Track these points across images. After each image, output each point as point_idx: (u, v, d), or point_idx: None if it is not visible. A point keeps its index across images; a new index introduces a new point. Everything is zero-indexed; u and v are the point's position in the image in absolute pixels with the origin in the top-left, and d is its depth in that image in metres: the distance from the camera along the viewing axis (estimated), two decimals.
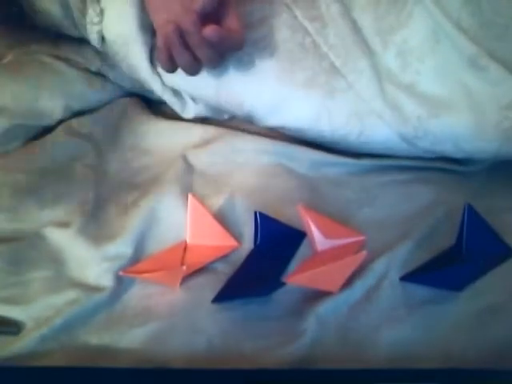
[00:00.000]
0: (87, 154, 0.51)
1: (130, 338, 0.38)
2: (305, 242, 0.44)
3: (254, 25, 0.47)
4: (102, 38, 0.52)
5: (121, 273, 0.41)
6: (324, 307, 0.39)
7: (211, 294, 0.40)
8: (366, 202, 0.47)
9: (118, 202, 0.47)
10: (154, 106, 0.58)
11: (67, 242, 0.43)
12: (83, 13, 0.51)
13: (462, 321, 0.39)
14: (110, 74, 0.57)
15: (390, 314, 0.39)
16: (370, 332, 0.38)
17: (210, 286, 0.41)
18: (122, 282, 0.41)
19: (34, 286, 0.41)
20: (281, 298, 0.40)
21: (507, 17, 0.42)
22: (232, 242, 0.44)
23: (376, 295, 0.40)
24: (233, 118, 0.54)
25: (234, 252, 0.44)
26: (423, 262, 0.42)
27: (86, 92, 0.56)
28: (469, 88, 0.44)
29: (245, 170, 0.49)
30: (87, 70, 0.56)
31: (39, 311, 0.39)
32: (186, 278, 0.41)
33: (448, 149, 0.47)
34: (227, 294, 0.40)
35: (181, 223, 0.44)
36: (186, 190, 0.47)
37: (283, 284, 0.39)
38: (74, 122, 0.54)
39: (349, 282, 0.40)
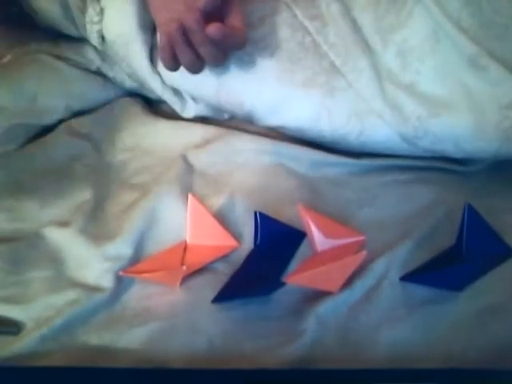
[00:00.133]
0: (87, 154, 0.51)
1: (129, 338, 0.38)
2: (305, 242, 0.44)
3: (254, 24, 0.47)
4: (102, 38, 0.52)
5: (121, 273, 0.41)
6: (324, 307, 0.39)
7: (211, 294, 0.40)
8: (366, 202, 0.47)
9: (118, 202, 0.47)
10: (154, 106, 0.58)
11: (67, 241, 0.43)
12: (83, 12, 0.51)
13: (462, 321, 0.39)
14: (110, 74, 0.57)
15: (390, 314, 0.39)
16: (369, 332, 0.38)
17: (210, 285, 0.41)
18: (121, 282, 0.41)
19: (34, 285, 0.41)
20: (281, 298, 0.40)
21: (507, 17, 0.42)
22: (232, 242, 0.44)
23: (376, 295, 0.40)
24: (233, 117, 0.54)
25: (234, 252, 0.44)
26: (423, 262, 0.42)
27: (86, 92, 0.56)
28: (469, 88, 0.44)
29: (245, 170, 0.49)
30: (87, 70, 0.56)
31: (39, 311, 0.39)
32: (186, 278, 0.41)
33: (448, 148, 0.47)
34: (227, 294, 0.40)
35: (181, 223, 0.44)
36: (186, 190, 0.47)
37: (283, 284, 0.39)
38: (74, 122, 0.54)
39: (349, 282, 0.40)
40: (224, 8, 0.43)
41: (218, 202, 0.46)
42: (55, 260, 0.42)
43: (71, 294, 0.40)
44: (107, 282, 0.40)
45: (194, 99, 0.54)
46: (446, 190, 0.48)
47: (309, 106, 0.48)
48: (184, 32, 0.42)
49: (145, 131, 0.54)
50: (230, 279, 0.41)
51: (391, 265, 0.42)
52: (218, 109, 0.53)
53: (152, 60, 0.51)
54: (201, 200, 0.45)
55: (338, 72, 0.46)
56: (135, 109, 0.56)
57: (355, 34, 0.46)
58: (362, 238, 0.44)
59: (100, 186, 0.48)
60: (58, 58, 0.55)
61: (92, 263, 0.42)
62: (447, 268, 0.41)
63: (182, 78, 0.48)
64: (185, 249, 0.43)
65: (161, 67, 0.51)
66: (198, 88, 0.51)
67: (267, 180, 0.48)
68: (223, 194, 0.46)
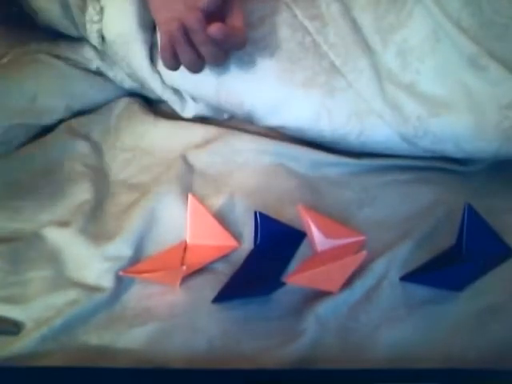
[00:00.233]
0: (87, 154, 0.51)
1: (129, 338, 0.38)
2: (305, 242, 0.44)
3: (254, 24, 0.47)
4: (102, 37, 0.52)
5: (121, 273, 0.41)
6: (324, 307, 0.39)
7: (211, 294, 0.40)
8: (366, 202, 0.47)
9: (118, 202, 0.47)
10: (154, 106, 0.58)
11: (67, 241, 0.43)
12: (83, 11, 0.51)
13: (462, 321, 0.39)
14: (110, 74, 0.57)
15: (390, 314, 0.39)
16: (369, 332, 0.38)
17: (210, 285, 0.41)
18: (121, 282, 0.41)
19: (34, 285, 0.41)
20: (281, 298, 0.40)
21: (507, 16, 0.42)
22: (232, 242, 0.44)
23: (376, 295, 0.40)
24: (233, 117, 0.54)
25: (234, 252, 0.44)
26: (423, 262, 0.42)
27: (86, 92, 0.56)
28: (469, 88, 0.44)
29: (245, 170, 0.49)
30: (87, 70, 0.56)
31: (39, 311, 0.39)
32: (186, 278, 0.41)
33: (448, 148, 0.47)
34: (227, 293, 0.40)
35: (181, 223, 0.44)
36: (186, 190, 0.47)
37: (283, 284, 0.39)
38: (74, 122, 0.54)
39: (349, 282, 0.40)
40: (225, 8, 0.43)
41: (217, 202, 0.46)
42: (55, 260, 0.42)
43: (71, 294, 0.40)
44: (107, 282, 0.40)
45: (193, 99, 0.54)
46: (446, 190, 0.48)
47: (309, 106, 0.48)
48: (185, 31, 0.42)
49: (145, 131, 0.54)
50: (230, 279, 0.41)
51: (391, 265, 0.42)
52: (217, 109, 0.53)
53: (152, 59, 0.51)
54: (201, 200, 0.45)
55: (337, 72, 0.46)
56: (135, 109, 0.56)
57: (355, 34, 0.46)
58: (362, 238, 0.44)
59: (100, 186, 0.48)
60: (58, 57, 0.55)
61: (92, 263, 0.42)
62: (447, 268, 0.41)
63: (181, 77, 0.48)
64: (185, 249, 0.43)
65: (161, 67, 0.51)
66: (198, 88, 0.51)
67: (267, 180, 0.48)
68: (223, 194, 0.46)
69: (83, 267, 0.42)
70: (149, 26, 0.51)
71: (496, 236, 0.41)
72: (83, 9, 0.51)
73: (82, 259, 0.42)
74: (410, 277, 0.41)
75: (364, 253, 0.39)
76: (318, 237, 0.43)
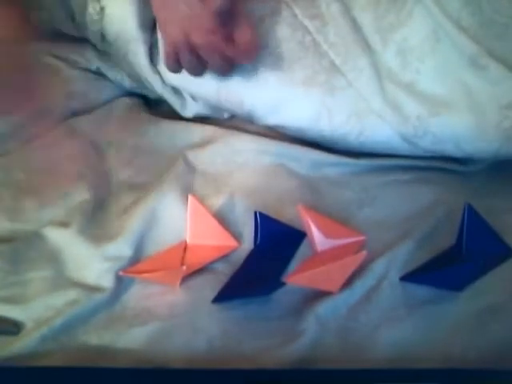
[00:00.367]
0: (87, 154, 0.51)
1: (129, 338, 0.38)
2: (305, 242, 0.44)
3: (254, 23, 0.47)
4: (102, 37, 0.52)
5: (121, 273, 0.41)
6: (324, 307, 0.39)
7: (211, 294, 0.40)
8: (366, 202, 0.47)
9: (118, 202, 0.47)
10: (154, 106, 0.58)
11: (67, 241, 0.43)
12: (83, 11, 0.51)
13: (462, 321, 0.39)
14: (110, 74, 0.57)
15: (390, 314, 0.39)
16: (369, 332, 0.38)
17: (210, 285, 0.41)
18: (121, 282, 0.41)
19: (34, 285, 0.41)
20: (281, 298, 0.40)
21: (507, 16, 0.42)
22: (232, 242, 0.44)
23: (376, 295, 0.40)
24: (233, 117, 0.54)
25: (234, 252, 0.44)
26: (423, 261, 0.42)
27: (86, 92, 0.56)
28: (469, 87, 0.44)
29: (245, 170, 0.49)
30: (87, 70, 0.56)
31: (39, 311, 0.39)
32: (186, 278, 0.41)
33: (448, 148, 0.47)
34: (227, 293, 0.40)
35: (181, 223, 0.44)
36: (186, 190, 0.47)
37: (283, 284, 0.39)
38: (74, 122, 0.54)
39: (349, 282, 0.40)
40: (232, 19, 0.43)
41: (217, 202, 0.46)
42: (55, 260, 0.42)
43: (71, 294, 0.40)
44: (107, 282, 0.40)
45: (193, 98, 0.54)
46: (446, 190, 0.48)
47: (309, 105, 0.48)
48: (191, 47, 0.43)
49: (145, 131, 0.54)
50: (230, 279, 0.41)
51: (391, 265, 0.42)
52: (218, 108, 0.53)
53: (152, 59, 0.51)
54: (201, 200, 0.45)
55: (337, 71, 0.46)
56: (135, 109, 0.56)
57: (355, 34, 0.46)
58: (362, 238, 0.44)
59: (100, 186, 0.48)
60: (58, 57, 0.55)
61: (92, 263, 0.42)
62: (447, 268, 0.41)
63: (182, 77, 0.48)
64: (185, 249, 0.43)
65: (161, 66, 0.51)
66: (199, 87, 0.51)
67: (267, 180, 0.48)
68: (223, 194, 0.46)
69: (83, 267, 0.42)
70: (149, 26, 0.51)
71: (496, 236, 0.41)
72: (83, 9, 0.51)
73: (82, 259, 0.42)
74: (410, 277, 0.41)
75: (364, 253, 0.39)
76: (317, 237, 0.43)
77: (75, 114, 0.55)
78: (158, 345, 0.38)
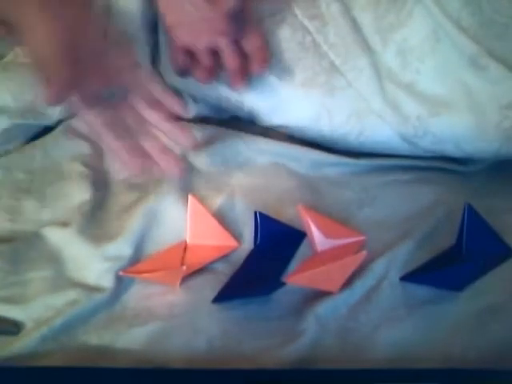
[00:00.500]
0: (87, 154, 0.51)
1: (129, 338, 0.38)
2: (305, 242, 0.44)
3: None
4: None
5: (121, 273, 0.41)
6: (324, 307, 0.39)
7: (211, 294, 0.40)
8: (366, 202, 0.47)
9: (118, 202, 0.47)
10: None
11: (67, 241, 0.43)
12: None
13: (462, 321, 0.39)
14: None
15: (390, 314, 0.39)
16: (369, 332, 0.38)
17: (210, 285, 0.41)
18: (121, 282, 0.41)
19: (34, 285, 0.41)
20: (281, 298, 0.40)
21: (507, 16, 0.42)
22: (232, 242, 0.44)
23: (376, 295, 0.40)
24: (233, 117, 0.54)
25: (234, 252, 0.44)
26: (423, 262, 0.42)
27: None
28: (469, 87, 0.44)
29: (245, 170, 0.49)
30: None
31: (39, 311, 0.39)
32: (186, 278, 0.41)
33: (448, 148, 0.47)
34: (227, 294, 0.40)
35: (181, 223, 0.44)
36: (186, 190, 0.47)
37: (283, 284, 0.39)
38: (74, 122, 0.54)
39: (349, 282, 0.40)
40: (243, 23, 0.44)
41: (218, 202, 0.46)
42: (55, 260, 0.42)
43: (71, 294, 0.40)
44: (107, 282, 0.40)
45: (194, 99, 0.54)
46: (446, 189, 0.48)
47: (309, 106, 0.48)
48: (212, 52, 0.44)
49: None
50: (230, 279, 0.41)
51: (391, 265, 0.42)
52: (218, 109, 0.53)
53: (153, 60, 0.51)
54: (201, 200, 0.45)
55: (337, 71, 0.46)
56: None
57: (355, 34, 0.46)
58: (362, 238, 0.44)
59: (100, 186, 0.48)
60: None
61: (92, 263, 0.42)
62: (447, 268, 0.41)
63: (182, 78, 0.48)
64: (185, 249, 0.43)
65: (162, 67, 0.51)
66: (199, 88, 0.51)
67: (267, 180, 0.48)
68: (223, 194, 0.46)
69: (83, 267, 0.42)
70: (151, 27, 0.51)
71: (496, 236, 0.42)
72: None
73: (82, 259, 0.42)
74: (410, 277, 0.41)
75: (364, 253, 0.39)
76: (318, 237, 0.43)
77: (75, 114, 0.55)
78: (158, 345, 0.38)
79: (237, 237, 0.44)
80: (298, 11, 0.48)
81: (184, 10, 0.43)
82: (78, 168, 0.49)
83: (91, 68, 0.39)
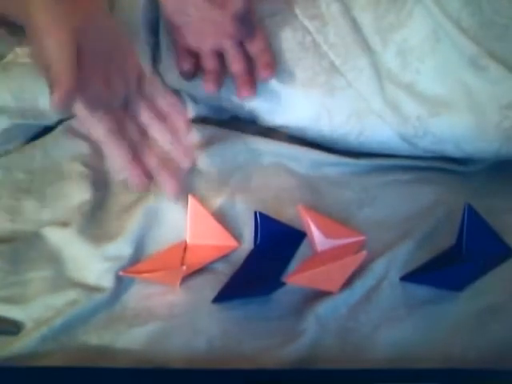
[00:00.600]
0: (87, 154, 0.51)
1: (129, 338, 0.38)
2: (305, 242, 0.44)
3: None
4: None
5: (121, 273, 0.41)
6: (324, 307, 0.39)
7: (211, 294, 0.40)
8: (366, 202, 0.47)
9: (118, 202, 0.47)
10: None
11: (67, 241, 0.43)
12: None
13: (462, 321, 0.39)
14: None
15: (390, 314, 0.39)
16: (369, 332, 0.38)
17: (210, 285, 0.41)
18: (121, 282, 0.41)
19: (34, 285, 0.41)
20: (281, 298, 0.40)
21: (507, 17, 0.42)
22: (232, 242, 0.44)
23: (376, 295, 0.40)
24: (233, 117, 0.54)
25: (234, 252, 0.44)
26: (423, 262, 0.42)
27: None
28: (469, 87, 0.44)
29: (245, 170, 0.49)
30: None
31: (39, 311, 0.39)
32: (186, 278, 0.41)
33: (448, 148, 0.47)
34: (227, 294, 0.40)
35: (181, 223, 0.44)
36: (186, 190, 0.47)
37: (283, 284, 0.39)
38: (74, 122, 0.54)
39: (349, 282, 0.40)
40: (249, 25, 0.44)
41: (218, 202, 0.46)
42: (55, 260, 0.42)
43: (71, 294, 0.40)
44: (107, 282, 0.40)
45: (194, 100, 0.54)
46: (446, 190, 0.48)
47: (309, 106, 0.48)
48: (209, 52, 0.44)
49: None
50: (230, 279, 0.41)
51: (391, 265, 0.42)
52: (218, 109, 0.53)
53: (154, 60, 0.51)
54: (201, 200, 0.45)
55: (337, 71, 0.47)
56: None
57: (355, 34, 0.46)
58: (362, 238, 0.44)
59: (100, 186, 0.48)
60: None
61: (92, 263, 0.42)
62: (447, 268, 0.41)
63: (187, 81, 0.49)
64: (185, 249, 0.43)
65: (162, 68, 0.51)
66: (199, 89, 0.51)
67: (267, 180, 0.48)
68: (223, 194, 0.46)
69: (83, 267, 0.42)
70: (152, 27, 0.51)
71: (496, 236, 0.42)
72: None
73: (82, 259, 0.42)
74: (410, 277, 0.41)
75: (364, 253, 0.39)
76: (318, 237, 0.43)
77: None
78: (158, 345, 0.38)
79: (237, 237, 0.44)
80: (298, 11, 0.48)
81: (189, 11, 0.43)
82: (78, 168, 0.49)
83: (100, 71, 0.38)
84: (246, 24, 0.43)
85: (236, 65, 0.46)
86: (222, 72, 0.47)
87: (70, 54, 0.35)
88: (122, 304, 0.40)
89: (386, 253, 0.42)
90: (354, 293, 0.40)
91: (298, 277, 0.39)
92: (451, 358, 0.37)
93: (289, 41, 0.47)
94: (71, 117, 0.54)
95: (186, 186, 0.47)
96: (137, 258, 0.43)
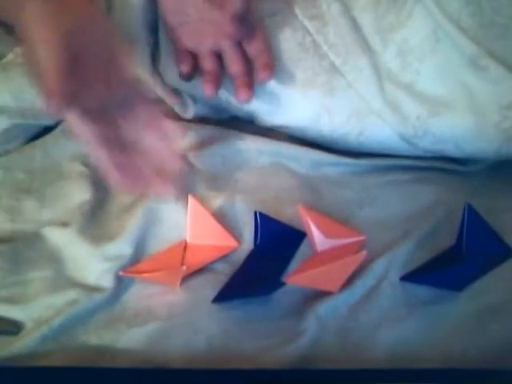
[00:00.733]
0: (87, 154, 0.51)
1: (129, 338, 0.38)
2: (305, 242, 0.44)
3: None
4: None
5: (121, 273, 0.41)
6: (324, 307, 0.39)
7: (211, 294, 0.40)
8: (366, 202, 0.47)
9: (118, 202, 0.47)
10: None
11: (67, 241, 0.43)
12: None
13: (462, 321, 0.39)
14: None
15: (390, 314, 0.39)
16: (369, 332, 0.38)
17: (210, 285, 0.41)
18: (121, 282, 0.41)
19: (34, 285, 0.41)
20: (281, 298, 0.40)
21: (507, 17, 0.42)
22: (232, 242, 0.44)
23: (376, 295, 0.40)
24: (233, 117, 0.54)
25: (234, 252, 0.44)
26: (423, 261, 0.42)
27: None
28: (469, 88, 0.44)
29: (245, 170, 0.49)
30: None
31: (39, 311, 0.39)
32: (186, 278, 0.41)
33: (448, 148, 0.47)
34: (227, 293, 0.40)
35: (181, 223, 0.44)
36: (186, 190, 0.47)
37: (283, 284, 0.39)
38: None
39: (349, 282, 0.40)
40: (248, 25, 0.44)
41: (218, 202, 0.46)
42: (55, 260, 0.42)
43: (71, 294, 0.40)
44: (107, 282, 0.40)
45: (194, 100, 0.54)
46: (446, 189, 0.48)
47: (309, 106, 0.48)
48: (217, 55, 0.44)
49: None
50: (230, 279, 0.41)
51: (391, 265, 0.42)
52: (217, 109, 0.53)
53: (153, 60, 0.51)
54: (201, 200, 0.45)
55: (337, 72, 0.46)
56: None
57: (355, 34, 0.46)
58: (362, 237, 0.44)
59: (100, 186, 0.48)
60: None
61: (92, 263, 0.42)
62: (447, 268, 0.41)
63: (186, 82, 0.49)
64: (185, 249, 0.43)
65: (162, 68, 0.51)
66: (199, 88, 0.51)
67: (267, 180, 0.48)
68: (223, 194, 0.46)
69: (83, 267, 0.42)
70: (152, 27, 0.51)
71: (496, 236, 0.41)
72: None
73: (82, 259, 0.42)
74: (410, 277, 0.41)
75: (364, 253, 0.39)
76: (318, 237, 0.43)
77: None
78: (158, 345, 0.38)
79: (237, 237, 0.44)
80: (298, 11, 0.48)
81: (188, 12, 0.43)
82: (78, 168, 0.49)
83: (94, 76, 0.37)
84: (245, 24, 0.43)
85: (234, 66, 0.46)
86: (221, 73, 0.47)
87: (61, 61, 0.34)
88: (122, 304, 0.40)
89: (386, 253, 0.42)
90: (354, 293, 0.40)
91: (297, 277, 0.39)
92: (451, 358, 0.37)
93: (289, 41, 0.47)
94: None
95: (186, 185, 0.48)
96: (137, 257, 0.43)
